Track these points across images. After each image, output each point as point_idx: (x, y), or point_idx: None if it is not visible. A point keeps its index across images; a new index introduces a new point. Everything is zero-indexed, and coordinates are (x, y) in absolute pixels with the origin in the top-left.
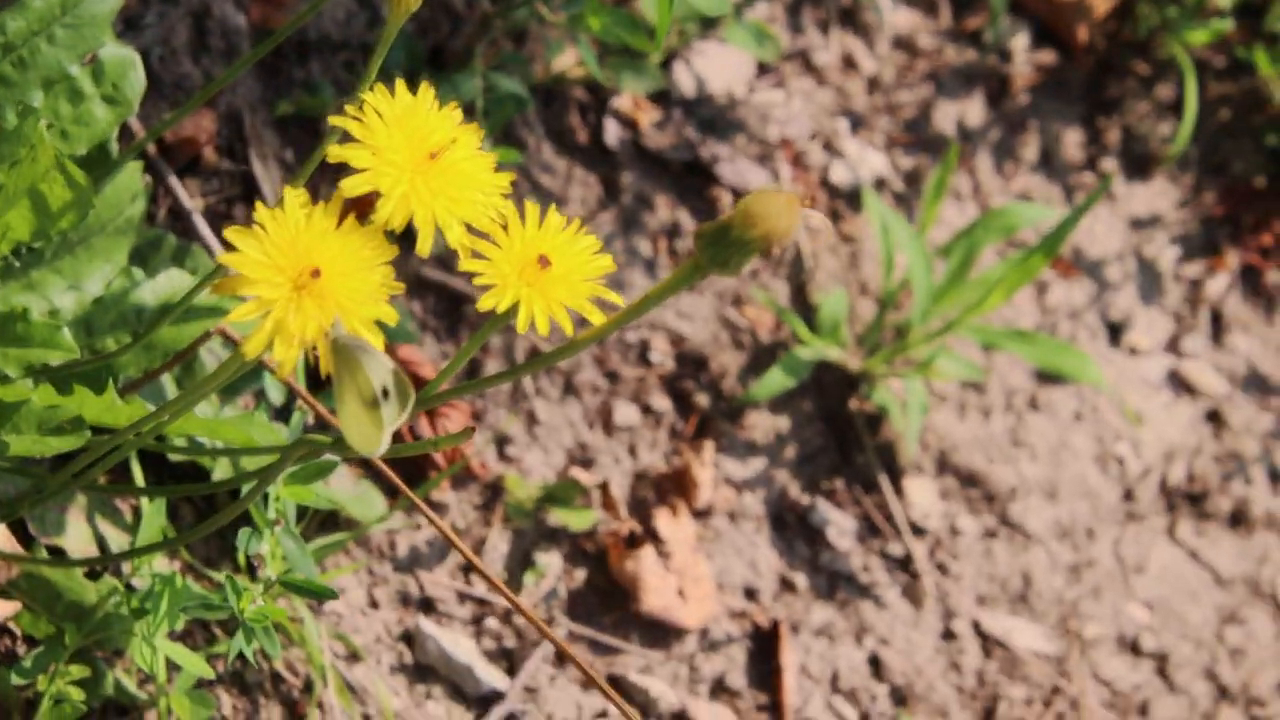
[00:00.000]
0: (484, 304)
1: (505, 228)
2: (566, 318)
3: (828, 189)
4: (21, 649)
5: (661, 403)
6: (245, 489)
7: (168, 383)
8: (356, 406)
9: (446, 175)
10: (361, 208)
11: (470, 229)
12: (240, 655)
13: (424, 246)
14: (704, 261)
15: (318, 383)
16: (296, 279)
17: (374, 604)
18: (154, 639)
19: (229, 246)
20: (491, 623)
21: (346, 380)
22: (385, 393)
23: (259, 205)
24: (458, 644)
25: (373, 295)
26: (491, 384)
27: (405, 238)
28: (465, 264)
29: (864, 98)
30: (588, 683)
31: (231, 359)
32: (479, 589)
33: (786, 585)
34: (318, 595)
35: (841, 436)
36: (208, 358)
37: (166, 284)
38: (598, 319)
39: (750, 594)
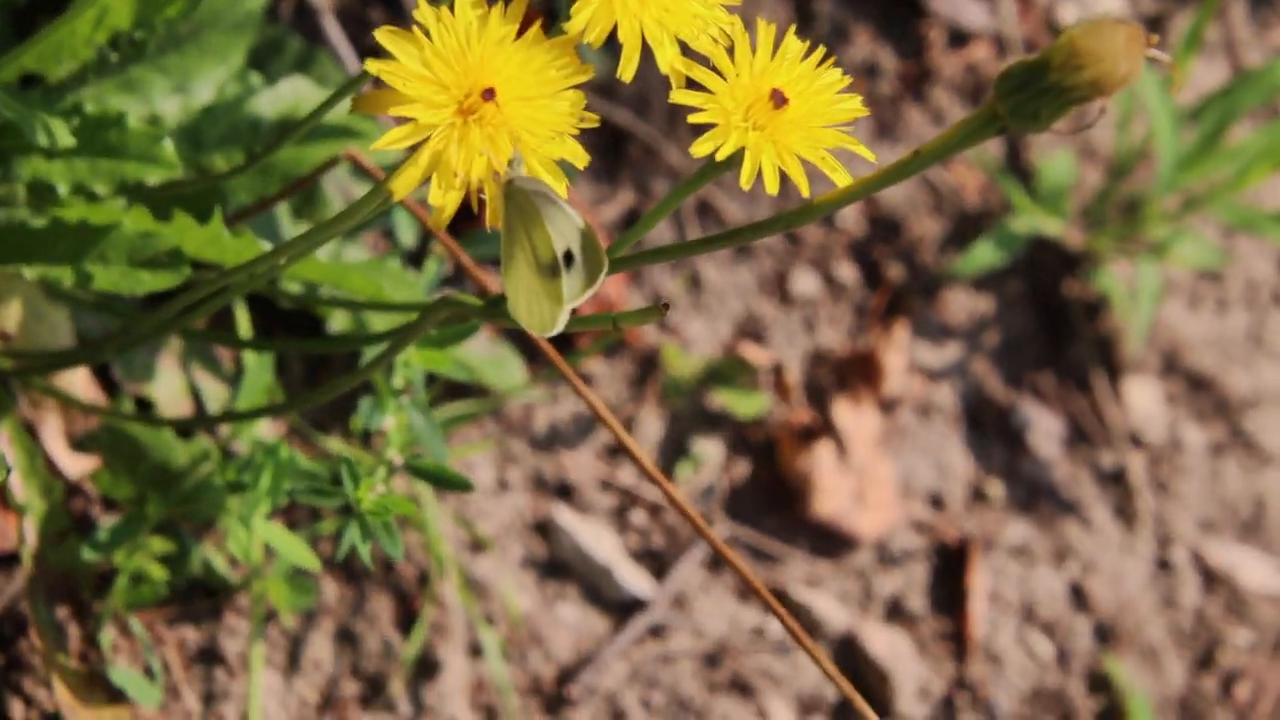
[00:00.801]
0: (700, 148)
1: (730, 52)
2: (802, 173)
3: (1053, 32)
4: (97, 512)
5: (847, 272)
6: (369, 350)
7: (284, 215)
8: (529, 272)
9: None
10: (548, 14)
11: (685, 50)
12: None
13: (628, 68)
14: (1004, 111)
15: (460, 221)
16: (464, 100)
17: (504, 486)
18: (251, 518)
19: (379, 52)
20: (638, 517)
21: (520, 236)
22: (569, 258)
23: (420, 2)
24: (599, 539)
25: (559, 127)
26: (682, 253)
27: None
28: (678, 94)
29: None
30: (745, 593)
31: (369, 195)
32: (626, 477)
33: (979, 495)
34: (451, 485)
35: (1053, 325)
36: (332, 188)
37: (290, 94)
38: (842, 178)
39: (937, 503)
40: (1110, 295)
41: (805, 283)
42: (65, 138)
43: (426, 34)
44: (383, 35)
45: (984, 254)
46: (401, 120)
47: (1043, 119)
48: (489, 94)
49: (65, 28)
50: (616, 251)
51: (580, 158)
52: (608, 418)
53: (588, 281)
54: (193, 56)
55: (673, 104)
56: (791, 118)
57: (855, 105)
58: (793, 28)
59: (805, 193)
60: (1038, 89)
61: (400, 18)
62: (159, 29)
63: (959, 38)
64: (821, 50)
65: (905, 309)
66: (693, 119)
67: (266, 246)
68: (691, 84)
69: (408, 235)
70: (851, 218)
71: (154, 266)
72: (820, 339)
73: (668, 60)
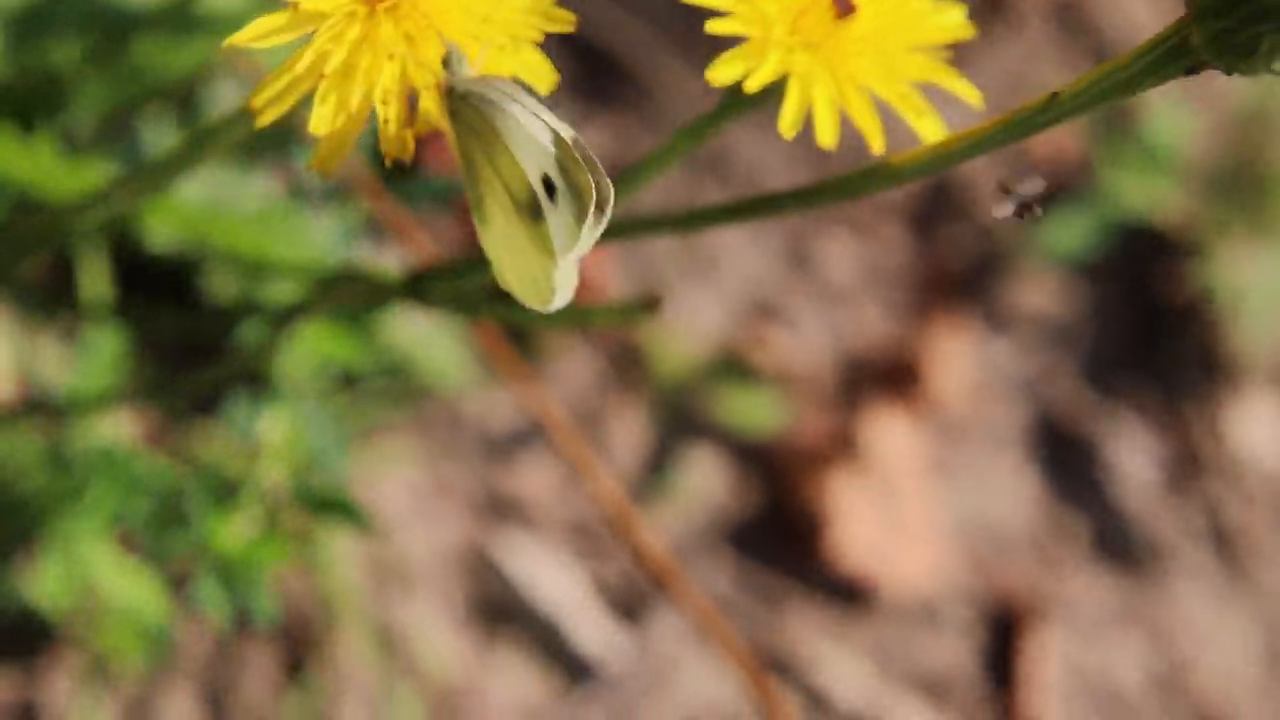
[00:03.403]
0: (721, 71)
1: None
2: (873, 117)
3: None
4: None
5: (893, 243)
6: (245, 331)
7: (146, 133)
8: (504, 217)
9: None
10: None
11: None
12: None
13: None
14: (1203, 41)
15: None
16: None
17: (432, 506)
18: (80, 544)
19: None
20: (607, 547)
21: (482, 168)
22: (549, 186)
23: None
24: (550, 578)
25: (513, 28)
26: (689, 226)
27: None
28: None
29: None
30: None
31: (230, 120)
32: (590, 499)
33: (1046, 536)
34: (354, 521)
35: (1153, 327)
36: (208, 97)
37: None
38: (932, 129)
39: (991, 545)
40: (1225, 291)
41: (837, 254)
42: None
43: None
44: None
45: (1070, 232)
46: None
47: (1261, 54)
48: None
49: None
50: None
51: (544, 76)
52: (558, 427)
53: (579, 214)
54: None
55: (683, 2)
56: (860, 34)
57: (956, 19)
58: None
59: (877, 148)
60: (1255, 11)
61: None
62: None
63: None
64: None
65: (966, 298)
66: (714, 26)
67: (108, 175)
68: None
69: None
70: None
71: None
72: (854, 330)
73: None
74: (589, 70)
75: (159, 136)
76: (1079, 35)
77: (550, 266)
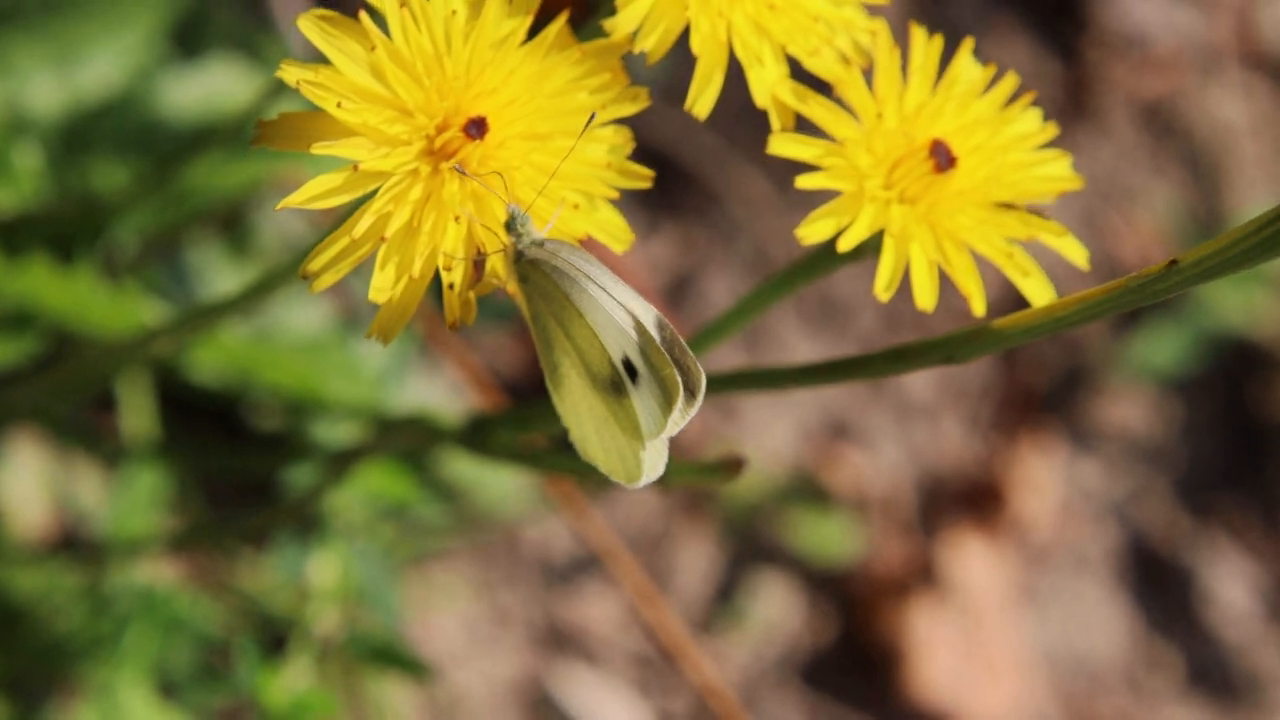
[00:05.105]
0: (813, 229)
1: (868, 75)
2: (975, 278)
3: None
4: None
5: (974, 363)
6: (294, 475)
7: (203, 258)
8: (584, 386)
9: None
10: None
11: (795, 72)
12: None
13: (703, 97)
14: None
15: None
16: (436, 136)
17: (487, 639)
18: (118, 692)
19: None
20: (667, 682)
21: (554, 334)
22: (630, 369)
23: None
24: (614, 713)
25: (587, 184)
26: (774, 384)
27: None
28: (781, 142)
29: None
30: None
31: (272, 276)
32: (651, 632)
33: (1139, 668)
34: (408, 671)
35: (1248, 443)
36: (267, 225)
37: (209, 86)
38: (1040, 290)
39: (1080, 677)
40: None
41: (916, 373)
42: None
43: (382, 26)
44: (309, 24)
45: (1161, 347)
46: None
47: None
48: (476, 127)
49: None
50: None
51: (620, 236)
52: (618, 556)
53: (664, 405)
54: (80, 19)
55: (767, 153)
56: (959, 188)
57: (1063, 170)
58: (968, 43)
59: (979, 310)
60: None
61: None
62: None
63: (1127, 40)
64: (1012, 81)
65: (1051, 415)
66: (804, 182)
67: (154, 309)
68: (804, 125)
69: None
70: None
71: None
72: (933, 450)
73: (767, 86)
74: (658, 182)
75: (206, 260)
76: (1167, 138)
77: (638, 447)
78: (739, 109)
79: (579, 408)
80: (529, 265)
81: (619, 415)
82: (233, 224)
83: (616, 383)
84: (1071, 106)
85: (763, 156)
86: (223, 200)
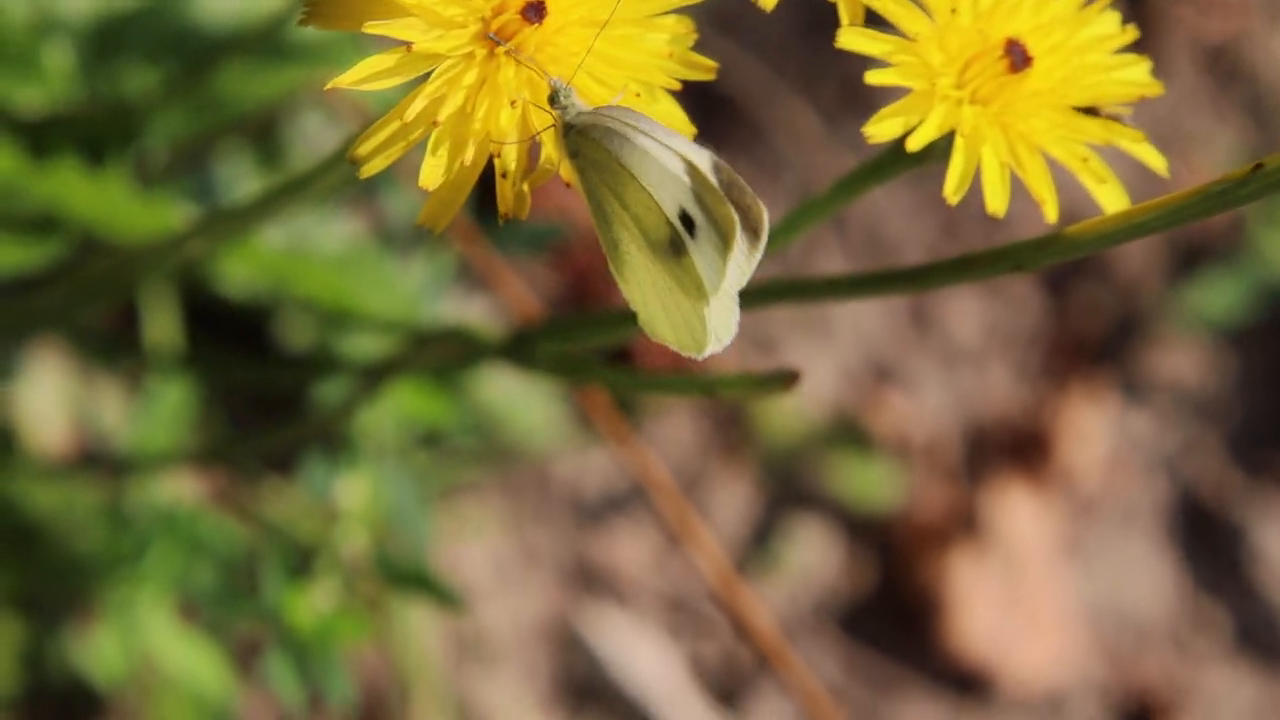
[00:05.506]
0: (882, 127)
1: None
2: (1048, 183)
3: None
4: None
5: (1024, 303)
6: (324, 390)
7: (233, 167)
8: (645, 260)
9: None
10: None
11: None
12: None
13: None
14: None
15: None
16: (492, 17)
17: (515, 576)
18: (138, 611)
19: None
20: (701, 624)
21: (612, 208)
22: (686, 220)
23: None
24: (642, 656)
25: (647, 73)
26: (831, 294)
27: None
28: (850, 36)
29: None
30: None
31: (323, 165)
32: (687, 569)
33: (1185, 626)
34: (437, 598)
35: None
36: (298, 136)
37: None
38: (1114, 197)
39: (1125, 634)
40: None
41: (961, 312)
42: None
43: None
44: None
45: (1218, 297)
46: (389, 42)
47: None
48: (535, 10)
49: None
50: None
51: (682, 127)
52: (661, 490)
53: (721, 248)
54: None
55: (839, 49)
56: (1034, 89)
57: (1141, 74)
58: None
59: (1051, 216)
60: None
61: None
62: None
63: None
64: None
65: (1103, 363)
66: (873, 78)
67: (182, 215)
68: (873, 19)
69: (399, 206)
70: (1031, 222)
71: (17, 232)
72: (979, 396)
73: None
74: (702, 112)
75: (237, 170)
76: (1230, 82)
77: (701, 308)
78: (789, 37)
79: (643, 284)
80: (579, 137)
81: (680, 278)
82: (265, 136)
83: (676, 242)
84: (1133, 47)
85: (812, 90)
86: (256, 108)
